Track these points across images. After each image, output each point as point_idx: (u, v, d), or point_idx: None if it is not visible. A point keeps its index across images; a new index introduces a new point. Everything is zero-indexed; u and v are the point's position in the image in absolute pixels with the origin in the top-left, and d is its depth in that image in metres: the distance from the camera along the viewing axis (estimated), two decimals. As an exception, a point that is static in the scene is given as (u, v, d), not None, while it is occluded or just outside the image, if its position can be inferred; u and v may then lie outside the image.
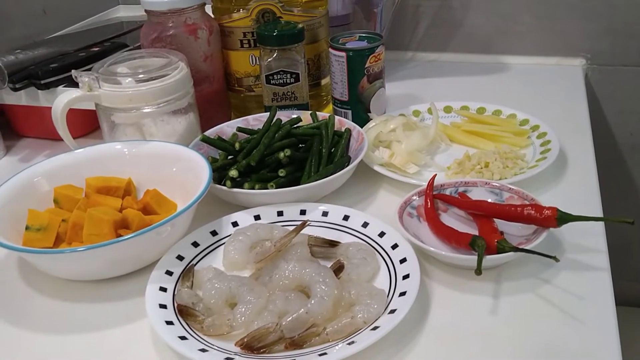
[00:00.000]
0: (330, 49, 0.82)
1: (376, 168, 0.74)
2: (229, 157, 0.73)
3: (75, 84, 0.73)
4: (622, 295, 0.63)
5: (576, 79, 1.01)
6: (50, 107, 0.72)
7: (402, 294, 0.53)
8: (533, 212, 0.59)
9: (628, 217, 0.56)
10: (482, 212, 0.63)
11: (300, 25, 0.78)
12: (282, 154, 0.69)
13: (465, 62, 1.10)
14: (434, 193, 0.66)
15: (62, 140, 0.74)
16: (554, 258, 0.54)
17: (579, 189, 0.71)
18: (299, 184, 0.67)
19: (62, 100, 0.71)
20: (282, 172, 0.69)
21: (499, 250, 0.56)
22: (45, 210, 0.65)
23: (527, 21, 1.06)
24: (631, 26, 1.01)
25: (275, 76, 0.79)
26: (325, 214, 0.66)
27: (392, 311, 0.51)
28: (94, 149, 0.72)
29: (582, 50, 1.05)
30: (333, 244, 0.61)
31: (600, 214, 0.66)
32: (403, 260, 0.57)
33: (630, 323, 0.76)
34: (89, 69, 0.73)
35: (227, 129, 0.78)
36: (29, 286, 0.62)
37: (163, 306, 0.55)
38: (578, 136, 0.82)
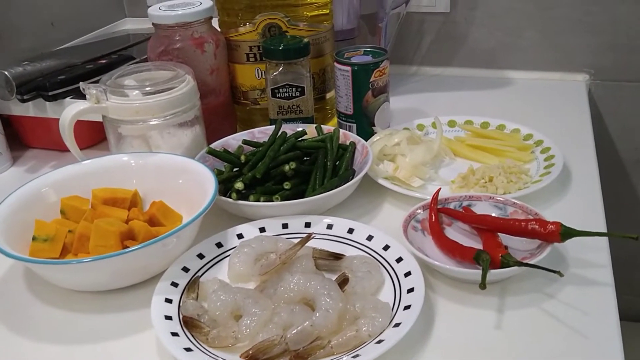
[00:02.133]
0: (335, 63, 0.83)
1: (380, 181, 0.74)
2: (235, 169, 0.73)
3: (82, 96, 0.73)
4: (626, 310, 0.64)
5: (579, 94, 1.01)
6: (58, 119, 0.73)
7: (407, 307, 0.53)
8: (537, 226, 0.59)
9: (632, 232, 0.56)
10: (486, 227, 0.63)
11: (305, 40, 0.79)
12: (287, 167, 0.70)
13: (469, 77, 1.11)
14: (439, 207, 0.66)
15: (68, 151, 0.74)
16: (558, 273, 0.54)
17: (582, 204, 0.71)
18: (303, 197, 0.68)
19: (69, 112, 0.72)
20: (287, 185, 0.69)
21: (503, 265, 0.56)
22: (52, 221, 0.65)
23: (531, 36, 1.06)
24: (635, 41, 1.02)
25: (280, 90, 0.79)
26: (329, 226, 0.66)
27: (397, 325, 0.52)
28: (101, 160, 0.72)
29: (586, 65, 1.06)
30: (338, 256, 0.62)
31: (604, 229, 0.66)
32: (407, 274, 0.57)
33: (634, 338, 0.76)
34: (97, 81, 0.74)
35: (233, 141, 0.79)
36: (35, 296, 0.62)
37: (168, 317, 0.55)
38: (582, 151, 0.82)
